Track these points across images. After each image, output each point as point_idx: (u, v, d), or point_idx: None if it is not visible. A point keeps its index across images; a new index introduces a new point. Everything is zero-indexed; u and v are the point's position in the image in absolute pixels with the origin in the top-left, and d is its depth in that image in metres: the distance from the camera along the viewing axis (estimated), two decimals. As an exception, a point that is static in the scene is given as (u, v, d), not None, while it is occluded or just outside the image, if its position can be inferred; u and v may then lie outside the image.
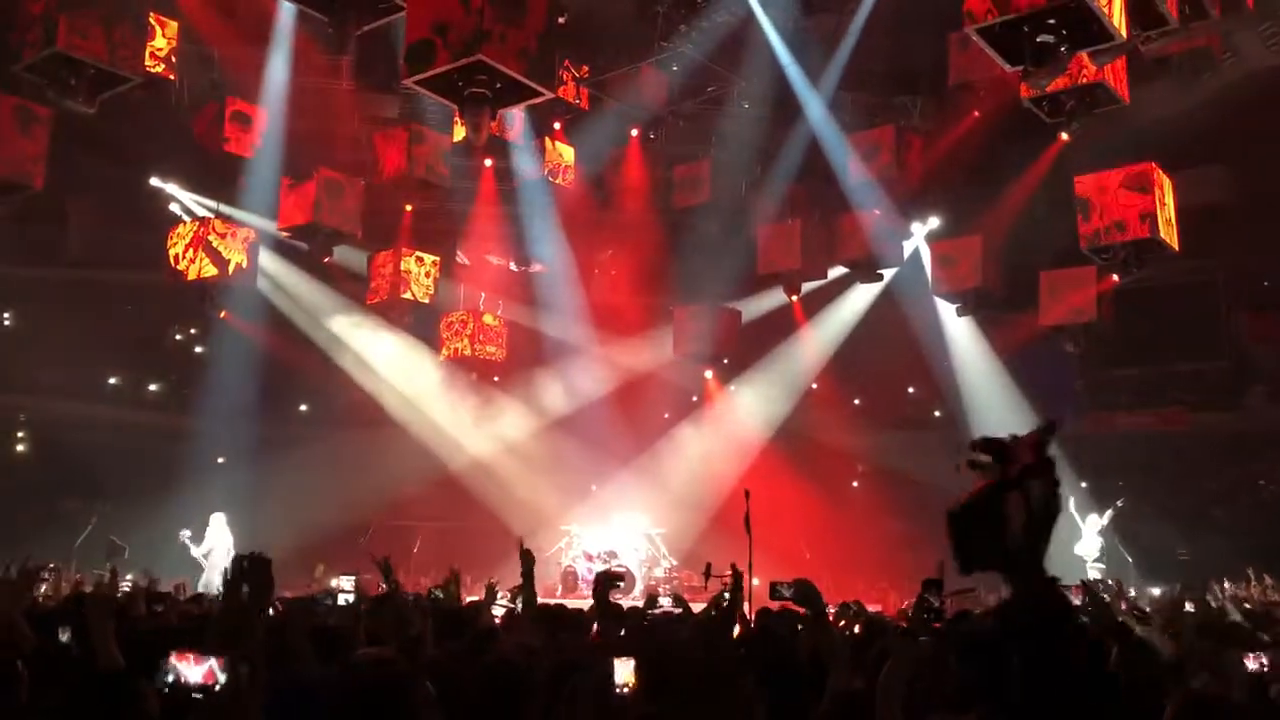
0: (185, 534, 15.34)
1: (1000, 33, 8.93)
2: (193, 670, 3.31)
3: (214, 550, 15.34)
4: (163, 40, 13.44)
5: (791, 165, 17.97)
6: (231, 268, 15.01)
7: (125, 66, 10.94)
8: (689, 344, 18.83)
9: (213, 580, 13.96)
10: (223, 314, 16.36)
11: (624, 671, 3.53)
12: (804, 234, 17.14)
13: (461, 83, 8.87)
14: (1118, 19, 8.84)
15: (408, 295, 17.44)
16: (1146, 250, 13.34)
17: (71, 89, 10.88)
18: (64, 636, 5.21)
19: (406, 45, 8.89)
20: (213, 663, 3.33)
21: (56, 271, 18.91)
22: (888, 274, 17.98)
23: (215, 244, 14.91)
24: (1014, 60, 9.16)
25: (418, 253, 17.79)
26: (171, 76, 13.98)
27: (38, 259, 18.57)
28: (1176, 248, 13.41)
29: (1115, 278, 14.66)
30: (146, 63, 12.23)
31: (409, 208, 18.23)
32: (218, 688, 3.24)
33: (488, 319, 19.18)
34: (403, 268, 17.42)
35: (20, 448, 20.79)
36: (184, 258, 14.99)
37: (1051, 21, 8.72)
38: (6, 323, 20.56)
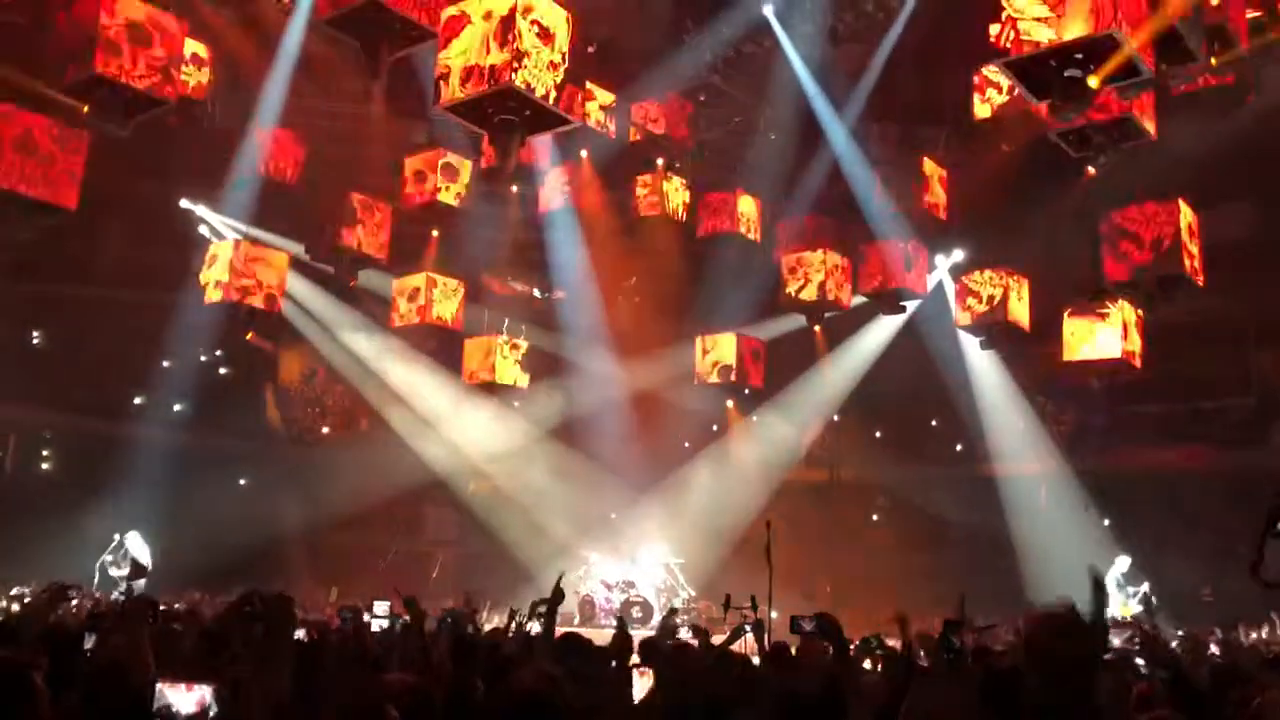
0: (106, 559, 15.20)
1: (1027, 66, 8.95)
2: (184, 698, 3.30)
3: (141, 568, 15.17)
4: (193, 69, 13.65)
5: (815, 195, 18.00)
6: (263, 292, 15.15)
7: (160, 90, 11.11)
8: (711, 373, 18.80)
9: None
10: (250, 336, 16.51)
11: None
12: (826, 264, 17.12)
13: (491, 109, 8.99)
14: (1146, 54, 8.83)
15: (431, 319, 17.50)
16: (1172, 285, 13.28)
17: (108, 111, 11.05)
18: (88, 644, 5.30)
19: (437, 72, 9.03)
20: (204, 691, 3.33)
21: (86, 290, 19.15)
22: (911, 305, 17.94)
23: (247, 267, 15.07)
24: (1041, 94, 9.17)
25: (442, 278, 17.88)
26: (204, 99, 14.19)
27: (68, 277, 18.82)
28: (1201, 282, 13.35)
29: (1139, 313, 14.60)
30: (181, 86, 12.40)
31: (435, 233, 18.36)
32: (211, 715, 3.23)
33: (509, 344, 19.24)
34: (427, 292, 17.50)
35: (46, 465, 20.98)
36: (215, 280, 15.16)
37: (1079, 56, 8.72)
38: (36, 341, 20.79)
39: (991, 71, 15.01)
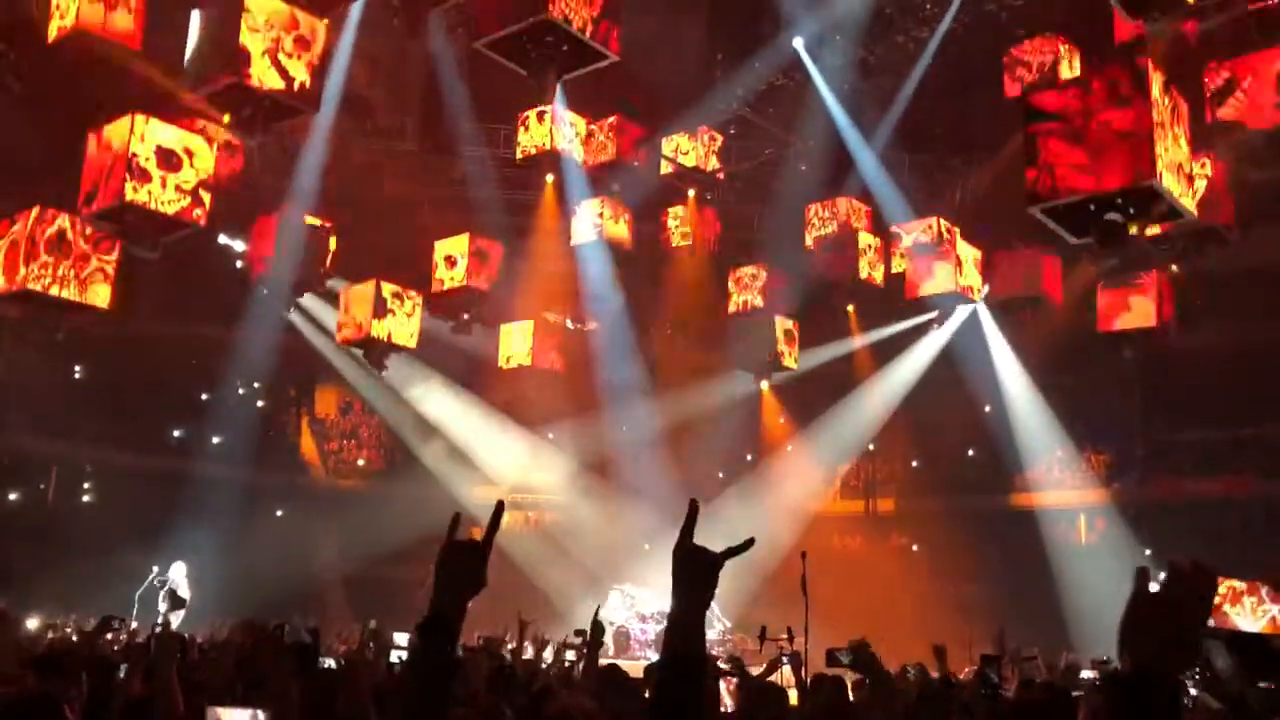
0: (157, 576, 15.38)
1: (1064, 210, 8.70)
2: (236, 716, 3.35)
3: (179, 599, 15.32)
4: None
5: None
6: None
7: (188, 214, 11.23)
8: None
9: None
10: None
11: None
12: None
13: (530, 45, 9.05)
14: (1186, 199, 8.57)
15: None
16: (1206, 238, 12.98)
17: (137, 235, 11.35)
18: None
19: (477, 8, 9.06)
20: (256, 713, 3.38)
21: (126, 325, 19.42)
22: (947, 334, 17.83)
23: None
24: (1079, 234, 8.89)
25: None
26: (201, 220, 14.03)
27: (108, 312, 19.09)
28: (1234, 228, 13.01)
29: (1174, 269, 14.12)
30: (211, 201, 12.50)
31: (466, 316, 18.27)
32: None
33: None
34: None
35: (87, 498, 21.24)
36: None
37: (1119, 201, 8.44)
38: (77, 376, 21.11)
39: (1025, 52, 14.75)
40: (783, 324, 17.66)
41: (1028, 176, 8.70)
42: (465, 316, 17.48)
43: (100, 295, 12.01)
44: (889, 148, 16.99)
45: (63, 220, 11.70)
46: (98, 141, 11.24)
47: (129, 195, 10.73)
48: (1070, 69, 13.69)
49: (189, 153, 11.28)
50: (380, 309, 15.90)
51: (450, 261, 16.81)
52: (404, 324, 16.24)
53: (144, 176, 10.85)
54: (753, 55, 17.96)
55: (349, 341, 16.64)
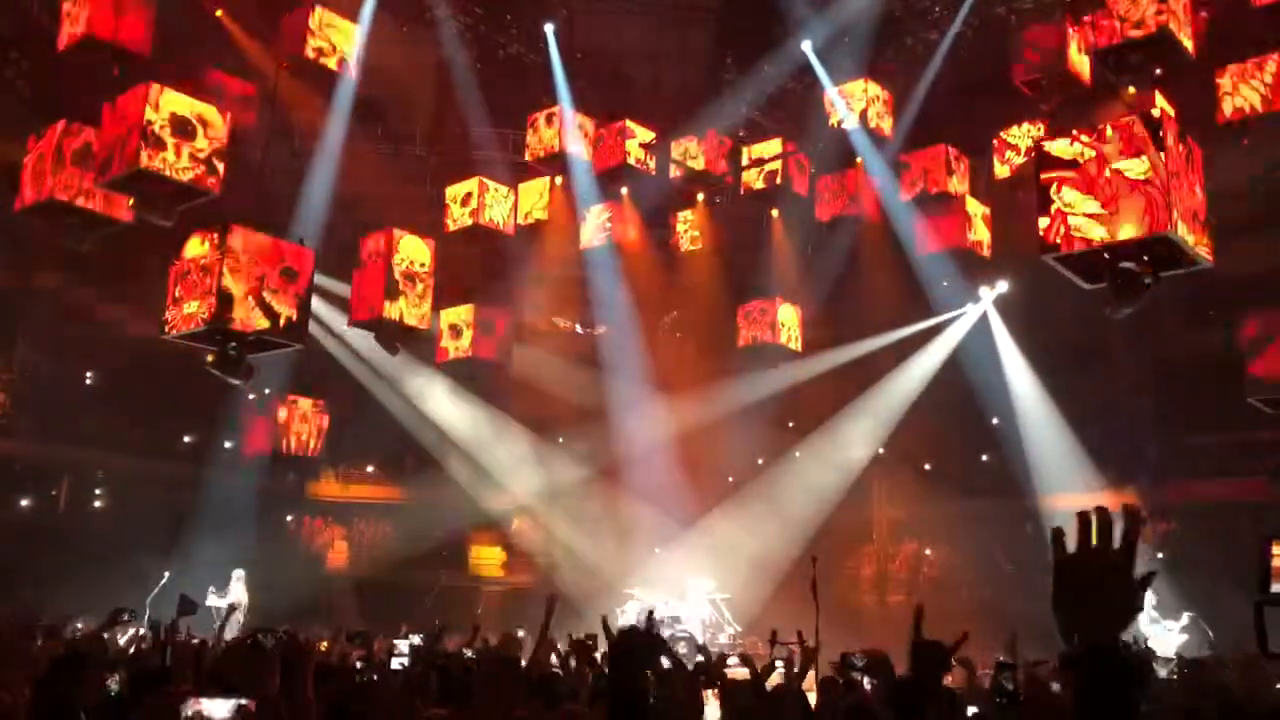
0: (210, 589, 15.58)
1: (1078, 257, 8.56)
2: (217, 706, 3.39)
3: (233, 605, 15.51)
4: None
5: (854, 228, 17.97)
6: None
7: (203, 182, 11.28)
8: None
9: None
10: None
11: None
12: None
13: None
14: (1201, 247, 8.43)
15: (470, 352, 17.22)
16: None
17: (152, 203, 11.38)
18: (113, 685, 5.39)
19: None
20: (239, 701, 3.42)
21: (138, 330, 19.46)
22: (955, 339, 17.79)
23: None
24: (1093, 281, 8.74)
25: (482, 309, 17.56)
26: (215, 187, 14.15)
27: (120, 317, 19.17)
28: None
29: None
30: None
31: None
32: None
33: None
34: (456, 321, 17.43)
35: (98, 503, 21.31)
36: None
37: (1134, 249, 8.29)
38: (89, 381, 21.18)
39: (1011, 135, 15.01)
40: (787, 310, 17.61)
41: (1040, 224, 8.64)
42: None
43: (123, 208, 12.11)
44: (898, 151, 16.94)
45: (89, 135, 11.79)
46: (112, 112, 11.29)
47: (144, 162, 10.79)
48: (1079, 52, 13.67)
49: (203, 121, 11.31)
50: (392, 291, 15.91)
51: (455, 331, 16.86)
52: (415, 306, 16.29)
53: (159, 144, 10.90)
54: (762, 59, 17.97)
55: (360, 323, 16.65)
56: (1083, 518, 1.66)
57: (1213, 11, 13.07)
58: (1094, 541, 1.66)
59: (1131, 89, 12.26)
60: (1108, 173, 8.36)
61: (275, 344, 11.62)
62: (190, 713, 3.41)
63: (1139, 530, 1.66)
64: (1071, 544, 1.67)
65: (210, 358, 11.30)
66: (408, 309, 15.98)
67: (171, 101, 11.10)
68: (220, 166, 11.49)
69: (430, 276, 15.29)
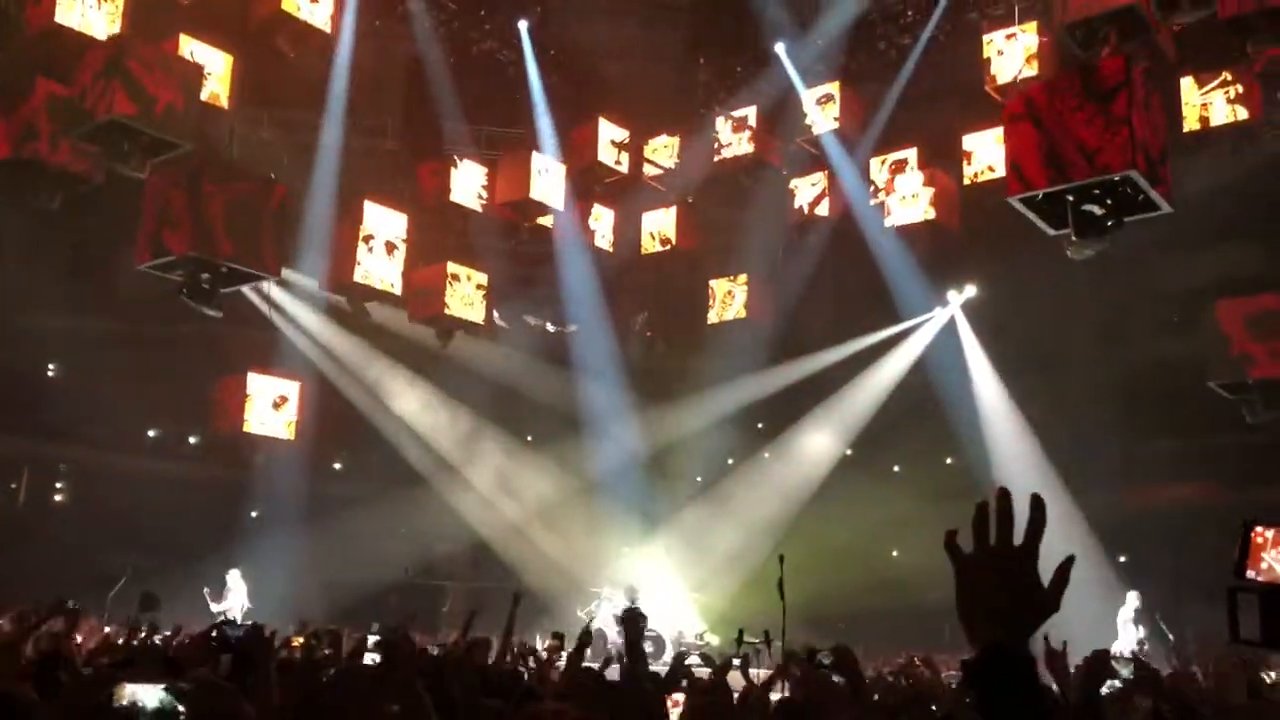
0: (205, 591, 15.46)
1: (1042, 201, 8.79)
2: (148, 694, 3.38)
3: (231, 607, 15.45)
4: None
5: (827, 230, 18.07)
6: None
7: (175, 133, 11.22)
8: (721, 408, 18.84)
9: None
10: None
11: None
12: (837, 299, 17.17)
13: None
14: (1163, 191, 8.67)
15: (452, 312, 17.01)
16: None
17: (124, 155, 11.22)
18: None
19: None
20: (175, 684, 3.42)
21: (102, 323, 19.23)
22: (923, 343, 17.92)
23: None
24: (1057, 225, 8.97)
25: (465, 268, 17.27)
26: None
27: (84, 309, 18.92)
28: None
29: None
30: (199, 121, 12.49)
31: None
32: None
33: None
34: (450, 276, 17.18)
35: (59, 497, 21.03)
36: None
37: (1096, 192, 8.55)
38: (51, 373, 20.90)
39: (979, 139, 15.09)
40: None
41: (1005, 167, 8.80)
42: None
43: (93, 169, 12.19)
44: (870, 154, 17.03)
45: (57, 88, 11.84)
46: (82, 66, 11.26)
47: (117, 108, 10.72)
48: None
49: (175, 66, 11.45)
50: (363, 254, 16.08)
51: (435, 173, 17.40)
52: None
53: (131, 90, 10.78)
54: (734, 61, 18.02)
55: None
56: (980, 510, 1.54)
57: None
58: (993, 540, 1.54)
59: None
60: (1071, 116, 8.54)
61: (248, 275, 11.67)
62: (126, 702, 3.40)
63: (1044, 519, 1.56)
64: (967, 544, 1.59)
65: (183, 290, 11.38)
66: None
67: (137, 49, 11.09)
68: (196, 116, 11.49)
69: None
